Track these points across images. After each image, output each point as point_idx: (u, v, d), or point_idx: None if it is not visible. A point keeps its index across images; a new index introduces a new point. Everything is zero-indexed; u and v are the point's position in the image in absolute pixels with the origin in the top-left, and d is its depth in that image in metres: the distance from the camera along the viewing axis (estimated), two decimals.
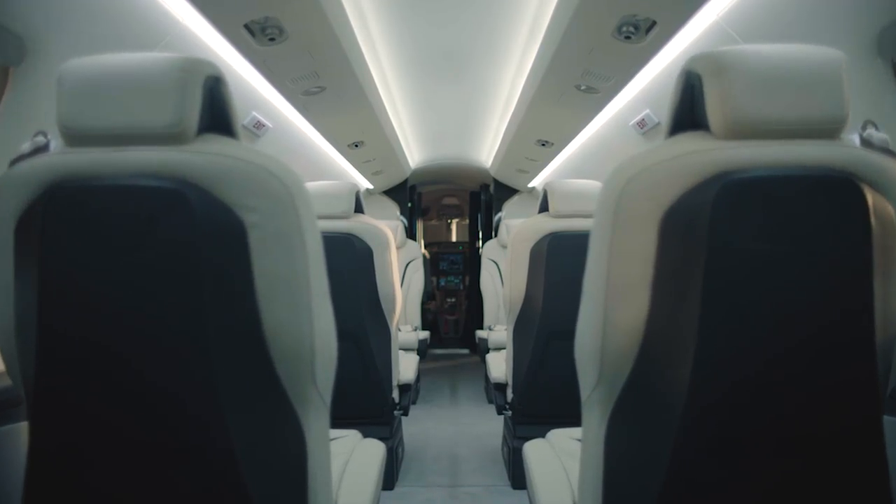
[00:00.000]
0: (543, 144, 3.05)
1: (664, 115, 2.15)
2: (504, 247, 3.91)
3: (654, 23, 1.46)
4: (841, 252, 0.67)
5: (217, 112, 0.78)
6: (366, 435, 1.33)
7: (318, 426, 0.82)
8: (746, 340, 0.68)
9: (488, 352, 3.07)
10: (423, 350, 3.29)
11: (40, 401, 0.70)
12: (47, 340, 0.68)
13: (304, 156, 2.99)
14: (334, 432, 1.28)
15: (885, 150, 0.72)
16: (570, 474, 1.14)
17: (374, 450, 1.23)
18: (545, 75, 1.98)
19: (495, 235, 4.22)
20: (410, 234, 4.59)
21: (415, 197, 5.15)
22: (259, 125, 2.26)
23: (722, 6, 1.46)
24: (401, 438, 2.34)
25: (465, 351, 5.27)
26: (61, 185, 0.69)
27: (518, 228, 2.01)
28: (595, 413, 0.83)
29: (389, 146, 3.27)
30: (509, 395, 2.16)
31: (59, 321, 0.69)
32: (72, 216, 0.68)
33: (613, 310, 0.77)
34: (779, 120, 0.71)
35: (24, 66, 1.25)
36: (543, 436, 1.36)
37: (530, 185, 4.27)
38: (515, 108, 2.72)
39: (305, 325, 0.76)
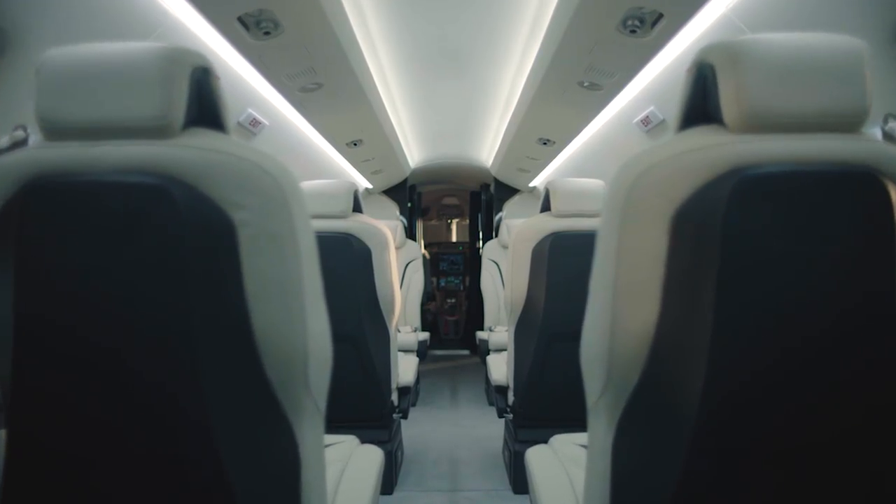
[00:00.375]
0: (545, 143, 3.03)
1: (669, 112, 2.14)
2: (504, 247, 3.90)
3: (660, 16, 1.42)
4: (863, 251, 0.63)
5: (205, 105, 0.75)
6: (364, 439, 1.31)
7: (312, 434, 0.79)
8: (763, 345, 0.65)
9: (489, 353, 3.05)
10: (422, 352, 3.27)
11: (18, 407, 0.67)
12: (25, 342, 0.66)
13: (303, 154, 2.97)
14: (331, 438, 1.26)
15: None
16: (573, 482, 1.11)
17: (372, 456, 1.20)
18: (547, 71, 1.95)
19: (496, 235, 4.21)
20: (410, 234, 4.59)
21: (414, 197, 5.15)
22: (255, 122, 2.23)
23: None
24: (400, 442, 2.32)
25: (466, 352, 5.27)
26: (40, 181, 0.66)
27: (519, 228, 1.99)
28: (602, 420, 0.80)
29: (388, 145, 3.25)
30: (510, 397, 2.14)
31: (37, 323, 0.66)
32: (51, 213, 0.65)
33: (621, 313, 0.74)
34: (797, 112, 0.67)
35: (7, 59, 1.21)
36: (545, 439, 1.34)
37: (531, 184, 4.26)
38: (517, 106, 2.70)
39: (298, 329, 0.73)
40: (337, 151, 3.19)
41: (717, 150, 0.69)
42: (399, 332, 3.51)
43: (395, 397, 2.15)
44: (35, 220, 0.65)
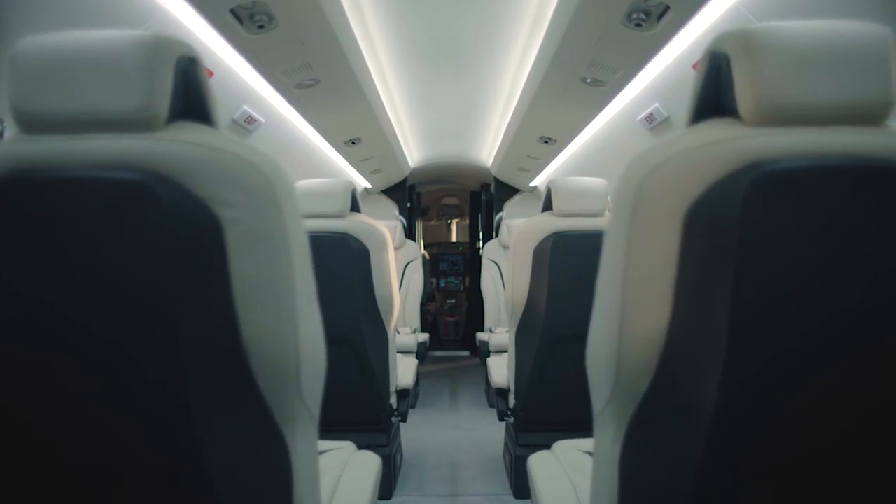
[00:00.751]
0: (546, 141, 3.00)
1: (674, 110, 2.10)
2: (505, 247, 3.89)
3: (667, 8, 1.38)
4: (890, 251, 0.60)
5: (192, 97, 0.71)
6: (362, 443, 1.28)
7: (305, 442, 0.76)
8: (782, 350, 0.61)
9: (489, 355, 3.02)
10: (422, 353, 3.24)
11: None
12: None
13: (301, 153, 2.94)
14: (327, 444, 1.23)
15: None
16: (577, 490, 1.08)
17: (369, 463, 1.17)
18: (549, 68, 1.92)
19: (496, 236, 4.19)
20: (410, 234, 4.58)
21: (414, 196, 5.14)
22: (250, 120, 2.19)
23: None
24: (399, 445, 2.29)
25: (466, 353, 5.26)
26: (14, 177, 0.62)
27: (521, 228, 1.97)
28: (609, 429, 0.76)
29: (388, 143, 3.23)
30: (511, 400, 2.12)
31: (8, 328, 0.62)
32: (26, 211, 0.61)
33: (630, 317, 0.70)
34: (817, 104, 0.64)
35: None
36: (546, 443, 1.31)
37: (532, 184, 4.24)
38: (517, 104, 2.67)
39: (290, 333, 0.69)
40: (335, 150, 3.16)
41: (732, 144, 0.65)
42: (398, 333, 3.48)
43: (393, 400, 2.12)
44: (9, 218, 0.61)
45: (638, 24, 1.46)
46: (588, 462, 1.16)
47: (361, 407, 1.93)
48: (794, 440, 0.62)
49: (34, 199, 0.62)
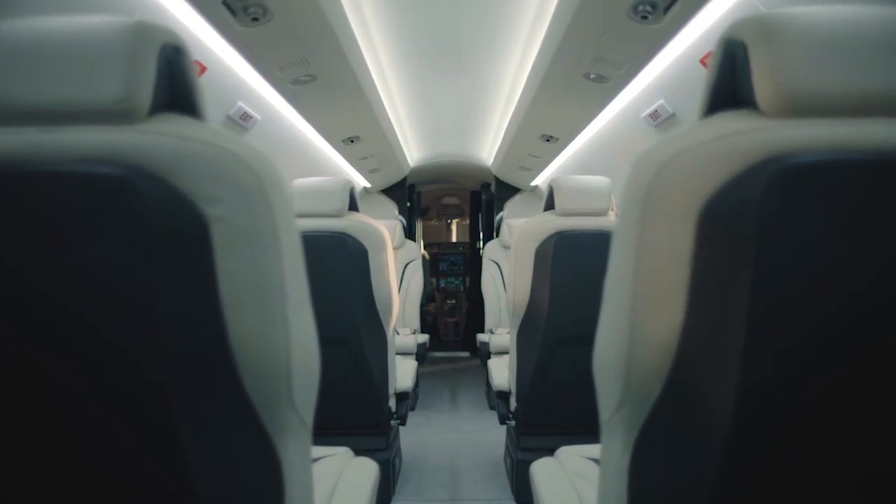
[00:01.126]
0: (548, 140, 2.96)
1: (679, 106, 2.06)
2: (506, 247, 3.87)
3: None
4: None
5: (177, 87, 0.68)
6: (361, 446, 1.24)
7: (297, 451, 0.72)
8: (805, 356, 0.57)
9: (489, 356, 2.99)
10: (422, 355, 3.21)
11: None
12: None
13: (299, 151, 2.91)
14: (322, 450, 1.19)
15: None
16: (582, 498, 1.05)
17: (366, 469, 1.13)
18: (552, 63, 1.88)
19: (496, 236, 4.17)
20: (409, 234, 4.57)
21: (414, 196, 5.13)
22: (246, 117, 2.15)
23: None
24: (398, 449, 2.26)
25: (466, 354, 5.25)
26: None
27: (522, 227, 1.94)
28: (617, 438, 0.73)
29: (387, 142, 3.20)
30: (512, 403, 2.08)
31: None
32: (1, 206, 0.57)
33: (641, 319, 0.66)
34: (841, 94, 0.60)
35: None
36: (548, 447, 1.29)
37: (533, 183, 4.22)
38: (519, 101, 2.64)
39: (280, 337, 0.66)
40: (334, 149, 3.13)
41: (750, 136, 0.61)
42: (398, 333, 3.45)
43: (392, 403, 2.09)
44: None
45: (644, 17, 1.42)
46: (593, 469, 1.12)
47: (360, 410, 1.90)
48: (816, 449, 0.58)
49: (8, 195, 0.58)
